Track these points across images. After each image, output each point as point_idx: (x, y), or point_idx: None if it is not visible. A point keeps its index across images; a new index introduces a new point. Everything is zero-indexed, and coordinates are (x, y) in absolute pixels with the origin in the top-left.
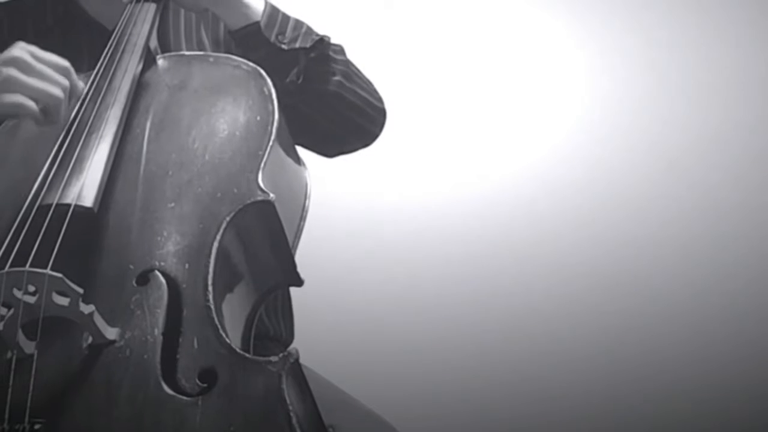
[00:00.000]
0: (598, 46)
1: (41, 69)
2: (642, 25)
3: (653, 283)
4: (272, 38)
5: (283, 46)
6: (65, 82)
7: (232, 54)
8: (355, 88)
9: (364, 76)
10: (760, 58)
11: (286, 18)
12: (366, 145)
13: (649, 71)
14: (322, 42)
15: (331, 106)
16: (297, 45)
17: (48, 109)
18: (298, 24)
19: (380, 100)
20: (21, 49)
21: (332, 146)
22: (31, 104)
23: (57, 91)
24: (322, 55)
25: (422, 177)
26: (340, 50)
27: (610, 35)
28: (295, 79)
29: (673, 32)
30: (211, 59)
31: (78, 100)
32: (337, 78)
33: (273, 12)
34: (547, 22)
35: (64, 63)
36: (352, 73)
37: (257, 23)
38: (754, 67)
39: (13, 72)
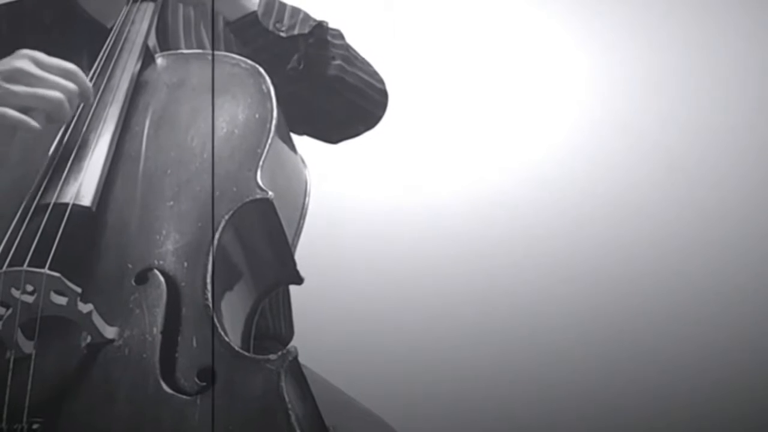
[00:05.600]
0: (598, 46)
1: (43, 76)
2: (642, 25)
3: (653, 283)
4: (270, 27)
5: (282, 34)
6: (69, 85)
7: (232, 50)
8: (356, 71)
9: (363, 59)
10: (760, 58)
11: (282, 6)
12: (369, 128)
13: (649, 71)
14: (321, 27)
15: (333, 90)
16: (296, 32)
17: (50, 114)
18: (295, 11)
19: (381, 81)
20: (23, 58)
21: (336, 132)
22: (16, 115)
23: (56, 95)
24: (321, 40)
25: (423, 176)
26: (339, 34)
27: (610, 35)
28: (296, 65)
29: (673, 32)
30: (210, 57)
31: (89, 100)
32: (337, 62)
33: (269, 1)
34: (547, 22)
35: (69, 66)
36: (351, 56)
37: (254, 12)
38: (754, 67)
39: (8, 86)
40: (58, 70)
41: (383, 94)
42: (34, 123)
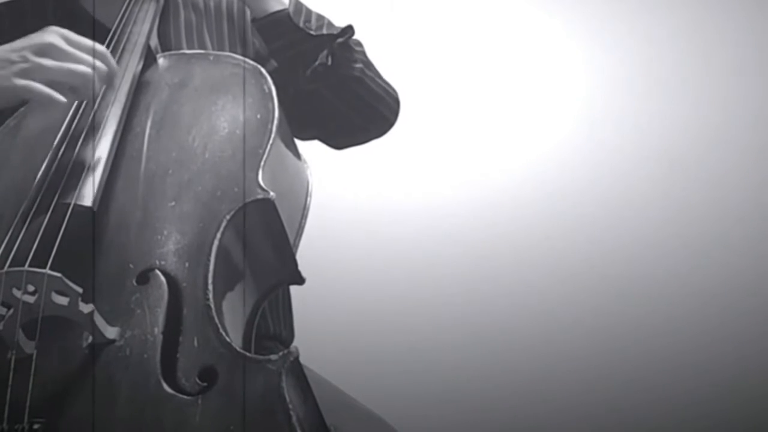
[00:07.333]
0: (598, 45)
1: (72, 52)
2: (642, 25)
3: (653, 283)
4: (301, 24)
5: (311, 32)
6: (96, 63)
7: (236, 54)
8: (374, 76)
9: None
10: (759, 57)
11: (309, 10)
12: (381, 134)
13: (649, 70)
14: (349, 29)
15: (354, 91)
16: (324, 31)
17: (77, 90)
18: (320, 16)
19: (395, 90)
20: (53, 33)
21: (349, 136)
22: (43, 89)
23: (84, 69)
24: (347, 43)
25: (423, 177)
26: (359, 42)
27: (610, 35)
28: (325, 60)
29: (673, 31)
30: (212, 57)
31: (113, 84)
32: (359, 65)
33: (298, 3)
34: (547, 22)
35: (98, 46)
36: (370, 63)
37: (285, 10)
38: (754, 65)
39: (38, 60)
40: (87, 48)
41: (397, 102)
42: (60, 97)
